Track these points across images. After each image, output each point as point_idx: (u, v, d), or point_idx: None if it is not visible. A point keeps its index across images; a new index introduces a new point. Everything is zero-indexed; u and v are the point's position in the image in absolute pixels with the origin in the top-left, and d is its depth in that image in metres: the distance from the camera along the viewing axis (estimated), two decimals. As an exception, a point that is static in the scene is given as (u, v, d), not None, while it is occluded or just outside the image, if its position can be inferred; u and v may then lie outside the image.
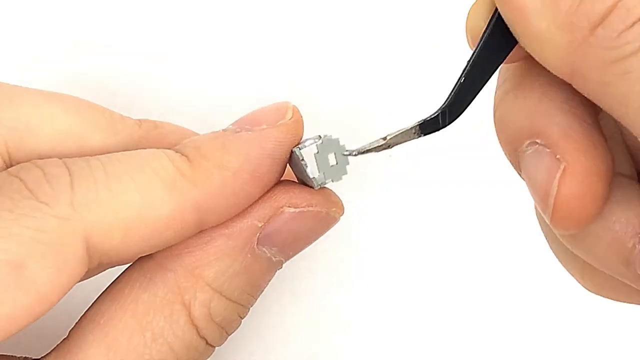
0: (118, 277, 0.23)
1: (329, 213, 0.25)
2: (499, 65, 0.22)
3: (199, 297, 0.23)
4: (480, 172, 0.34)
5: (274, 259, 0.24)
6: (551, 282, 0.34)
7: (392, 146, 0.23)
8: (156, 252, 0.23)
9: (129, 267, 0.24)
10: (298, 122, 0.24)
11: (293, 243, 0.24)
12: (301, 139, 0.24)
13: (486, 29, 0.21)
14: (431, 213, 0.34)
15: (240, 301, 0.24)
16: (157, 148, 0.24)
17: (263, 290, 0.25)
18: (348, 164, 0.24)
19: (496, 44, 0.21)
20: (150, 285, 0.23)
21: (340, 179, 0.24)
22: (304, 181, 0.25)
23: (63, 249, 0.20)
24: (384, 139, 0.23)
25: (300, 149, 0.24)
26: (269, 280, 0.25)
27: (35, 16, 0.34)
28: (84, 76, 0.34)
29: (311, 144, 0.24)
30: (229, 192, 0.23)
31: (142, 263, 0.23)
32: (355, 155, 0.24)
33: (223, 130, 0.24)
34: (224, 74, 0.34)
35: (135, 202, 0.22)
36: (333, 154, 0.24)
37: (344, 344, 0.34)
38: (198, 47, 0.34)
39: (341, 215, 0.25)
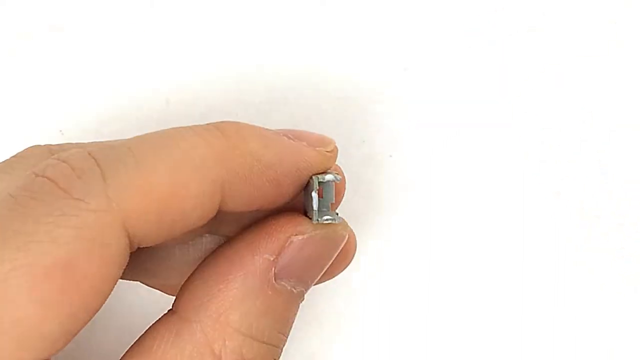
0: (144, 333, 0.23)
1: (336, 232, 0.25)
2: None
3: (228, 345, 0.23)
4: (481, 174, 0.34)
5: (294, 290, 0.24)
6: (554, 285, 0.34)
7: None
8: (178, 305, 0.23)
9: (154, 323, 0.23)
10: (332, 158, 0.25)
11: (309, 270, 0.24)
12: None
13: None
14: (432, 214, 0.34)
15: (272, 341, 0.24)
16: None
17: (291, 328, 0.25)
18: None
19: None
20: (177, 340, 0.22)
21: (340, 220, 0.24)
22: (306, 210, 0.25)
23: (106, 241, 0.20)
24: None
25: (319, 179, 0.24)
26: (295, 315, 0.25)
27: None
28: (82, 75, 0.34)
29: (331, 179, 0.24)
30: (252, 183, 0.23)
31: (166, 318, 0.23)
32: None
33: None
34: (225, 72, 0.34)
35: (167, 182, 0.21)
36: (332, 195, 0.24)
37: (344, 344, 0.34)
38: (199, 44, 0.34)
39: (347, 232, 0.25)
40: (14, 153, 0.33)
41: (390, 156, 0.34)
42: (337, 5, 0.34)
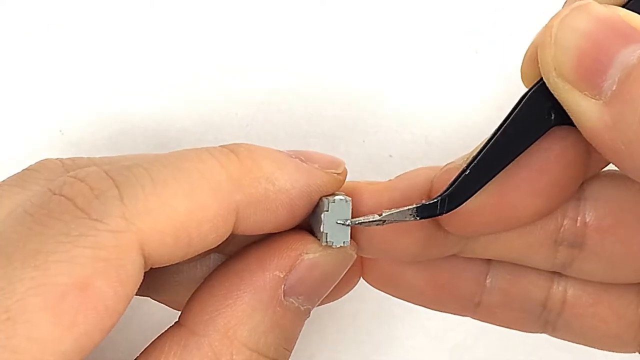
0: (150, 345, 0.23)
1: (345, 252, 0.25)
2: (508, 164, 0.23)
3: (236, 359, 0.23)
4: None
5: (302, 308, 0.24)
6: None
7: (386, 223, 0.24)
8: (186, 318, 0.23)
9: (160, 335, 0.23)
10: (341, 181, 0.25)
11: (317, 288, 0.24)
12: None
13: (504, 124, 0.22)
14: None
15: (277, 357, 0.24)
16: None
17: (295, 343, 0.25)
18: (348, 232, 0.24)
19: (510, 142, 0.22)
20: (184, 354, 0.22)
21: (348, 243, 0.24)
22: (313, 231, 0.25)
23: (123, 262, 0.21)
24: (380, 215, 0.24)
25: (330, 201, 0.24)
26: (300, 331, 0.25)
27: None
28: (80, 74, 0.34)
29: (341, 200, 0.24)
30: (265, 205, 0.23)
31: (173, 330, 0.23)
32: (349, 225, 0.24)
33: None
34: (226, 72, 0.34)
35: (184, 206, 0.22)
36: (341, 218, 0.24)
37: (343, 344, 0.34)
38: (199, 44, 0.34)
39: (356, 252, 0.25)
40: (14, 154, 0.34)
41: (390, 156, 0.34)
42: (337, 5, 0.34)
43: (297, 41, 0.34)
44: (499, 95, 0.34)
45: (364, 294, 0.34)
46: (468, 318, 0.34)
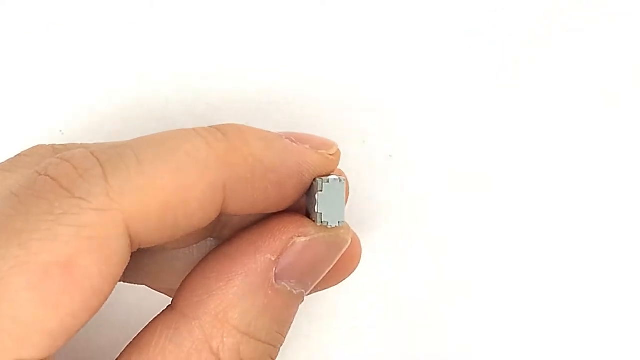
0: (143, 329, 0.23)
1: (338, 236, 0.25)
2: None
3: (226, 342, 0.23)
4: (481, 174, 0.34)
5: (294, 292, 0.24)
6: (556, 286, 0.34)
7: None
8: (177, 302, 0.23)
9: (153, 319, 0.23)
10: (335, 161, 0.25)
11: (309, 273, 0.25)
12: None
13: None
14: (431, 214, 0.34)
15: (270, 341, 0.24)
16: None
17: (289, 328, 0.25)
18: (343, 212, 0.24)
19: None
20: (176, 336, 0.22)
21: (343, 223, 0.24)
22: (309, 213, 0.25)
23: (107, 240, 0.21)
24: None
25: (324, 181, 0.24)
26: (294, 316, 0.25)
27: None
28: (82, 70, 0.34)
29: (334, 181, 0.24)
30: (255, 185, 0.23)
31: (165, 314, 0.23)
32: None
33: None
34: (225, 72, 0.34)
35: (170, 184, 0.22)
36: (335, 197, 0.24)
37: (344, 344, 0.34)
38: (199, 44, 0.34)
39: (350, 237, 0.25)
40: (14, 154, 0.34)
41: (390, 156, 0.34)
42: (337, 5, 0.34)
43: (297, 41, 0.34)
44: (499, 96, 0.34)
45: (365, 293, 0.34)
46: (467, 318, 0.34)
